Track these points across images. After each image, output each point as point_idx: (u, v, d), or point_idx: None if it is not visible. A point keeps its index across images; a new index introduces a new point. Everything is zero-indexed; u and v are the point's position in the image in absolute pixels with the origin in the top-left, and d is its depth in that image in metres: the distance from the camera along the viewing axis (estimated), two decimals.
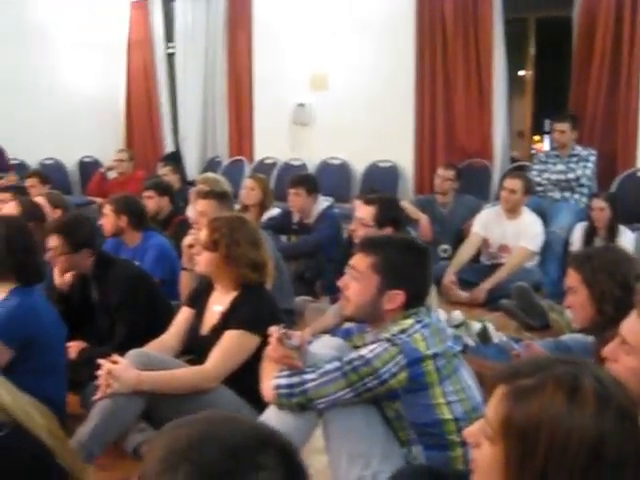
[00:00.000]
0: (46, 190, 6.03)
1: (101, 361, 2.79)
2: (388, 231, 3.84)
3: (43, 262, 3.22)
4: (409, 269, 2.36)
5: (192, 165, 8.97)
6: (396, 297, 2.32)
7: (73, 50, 8.94)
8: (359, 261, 2.37)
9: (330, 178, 7.28)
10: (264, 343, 2.65)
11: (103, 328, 3.53)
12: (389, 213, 3.97)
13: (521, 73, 8.18)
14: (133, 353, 2.87)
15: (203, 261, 3.07)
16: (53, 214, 4.66)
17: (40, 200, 4.73)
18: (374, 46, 7.53)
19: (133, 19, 9.50)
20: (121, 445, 2.93)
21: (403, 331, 2.26)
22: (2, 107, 7.99)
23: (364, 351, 2.23)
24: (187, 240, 3.88)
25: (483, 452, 1.21)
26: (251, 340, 2.90)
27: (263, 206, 5.73)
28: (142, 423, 2.95)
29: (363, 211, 4.00)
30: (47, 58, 8.70)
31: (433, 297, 3.39)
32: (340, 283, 2.43)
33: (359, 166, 7.65)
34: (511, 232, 5.42)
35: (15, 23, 8.29)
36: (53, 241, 3.46)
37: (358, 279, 2.36)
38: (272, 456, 0.94)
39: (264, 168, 7.89)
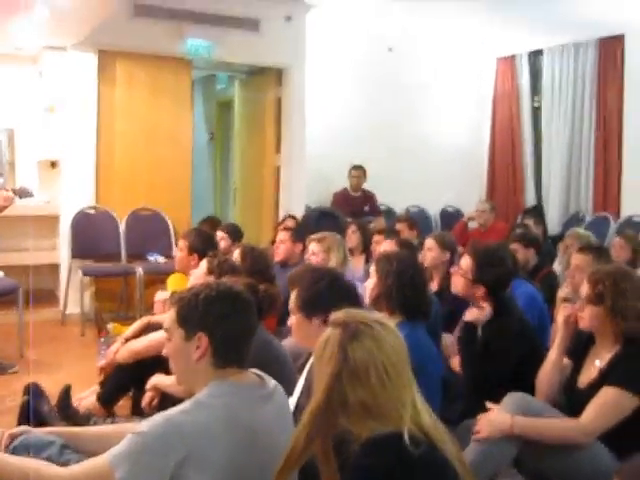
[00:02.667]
0: (414, 235, 6.43)
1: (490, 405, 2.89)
2: None
3: (430, 300, 3.38)
4: None
5: (554, 219, 8.89)
6: None
7: (441, 103, 9.38)
8: None
9: None
10: None
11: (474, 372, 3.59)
12: None
13: None
14: (513, 396, 2.92)
15: (587, 316, 3.01)
16: (442, 257, 4.89)
17: (429, 242, 4.97)
18: None
19: (499, 73, 9.74)
20: None
21: None
22: (376, 155, 8.58)
23: None
24: (561, 293, 3.88)
25: None
26: (629, 400, 2.80)
27: (633, 265, 5.49)
28: (512, 469, 2.98)
29: None
30: (417, 110, 9.20)
31: None
32: None
33: None
34: None
35: (394, 80, 8.90)
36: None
37: None
38: None
39: (632, 225, 7.57)
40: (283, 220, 7.21)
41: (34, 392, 3.62)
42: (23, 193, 5.07)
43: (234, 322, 2.09)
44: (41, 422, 3.52)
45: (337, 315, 1.92)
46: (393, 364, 1.82)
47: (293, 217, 7.33)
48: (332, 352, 1.82)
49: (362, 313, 1.95)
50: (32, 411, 3.47)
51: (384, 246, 4.82)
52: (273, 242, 6.54)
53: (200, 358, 2.08)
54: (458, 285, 3.67)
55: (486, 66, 9.75)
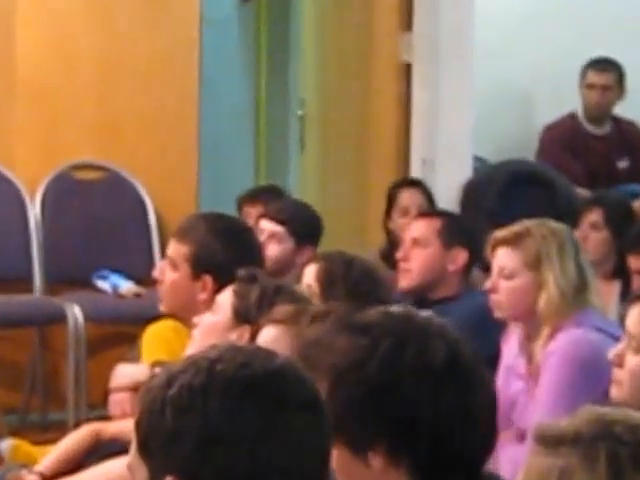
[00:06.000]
0: None
1: None
2: None
3: None
4: None
5: None
6: None
7: None
8: None
9: None
10: None
11: None
12: None
13: None
14: None
15: None
16: None
17: None
18: None
19: None
20: None
21: None
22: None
23: None
24: None
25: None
26: None
27: None
28: None
29: None
30: None
31: None
32: None
33: None
34: None
35: None
36: None
37: None
38: None
39: None
40: (393, 190, 7.61)
41: None
42: None
43: (242, 449, 1.99)
44: None
45: (576, 421, 1.98)
46: None
47: (416, 183, 7.70)
48: None
49: (609, 410, 2.07)
50: None
51: None
52: (390, 246, 7.09)
53: None
54: None
55: None
